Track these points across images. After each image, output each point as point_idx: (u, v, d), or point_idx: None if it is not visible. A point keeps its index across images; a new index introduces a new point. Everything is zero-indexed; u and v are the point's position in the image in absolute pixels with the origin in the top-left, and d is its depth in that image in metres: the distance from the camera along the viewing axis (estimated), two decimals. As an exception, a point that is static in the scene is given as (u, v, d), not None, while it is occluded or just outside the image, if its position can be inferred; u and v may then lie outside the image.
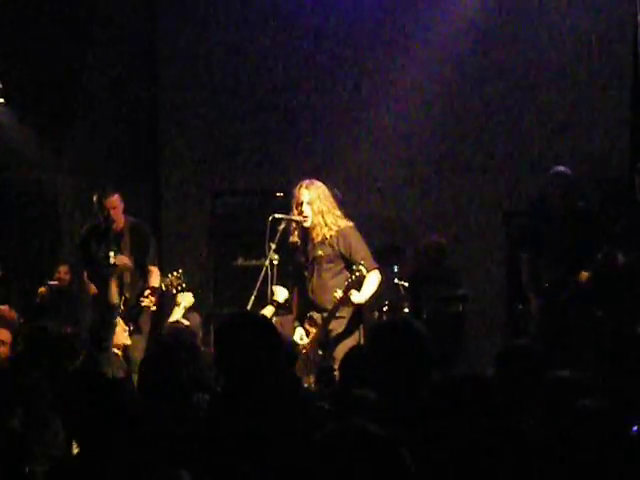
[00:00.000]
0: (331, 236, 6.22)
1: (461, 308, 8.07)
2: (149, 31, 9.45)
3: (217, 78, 9.28)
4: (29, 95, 8.90)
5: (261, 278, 6.39)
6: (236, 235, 8.56)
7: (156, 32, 9.48)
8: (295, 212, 6.31)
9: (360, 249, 6.22)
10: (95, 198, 7.05)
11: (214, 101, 9.31)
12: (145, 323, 7.03)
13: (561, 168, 6.97)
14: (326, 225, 6.22)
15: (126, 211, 7.17)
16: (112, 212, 7.00)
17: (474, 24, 8.71)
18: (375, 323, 5.65)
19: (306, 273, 6.36)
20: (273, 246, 6.40)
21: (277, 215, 6.50)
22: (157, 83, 9.54)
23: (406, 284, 7.81)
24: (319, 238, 6.23)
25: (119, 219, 7.07)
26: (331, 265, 6.26)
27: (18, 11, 8.78)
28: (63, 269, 8.55)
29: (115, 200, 7.02)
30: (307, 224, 6.25)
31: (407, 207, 8.88)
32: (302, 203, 6.24)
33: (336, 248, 6.23)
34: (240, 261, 7.96)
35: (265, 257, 6.45)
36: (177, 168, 9.47)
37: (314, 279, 6.31)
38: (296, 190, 6.34)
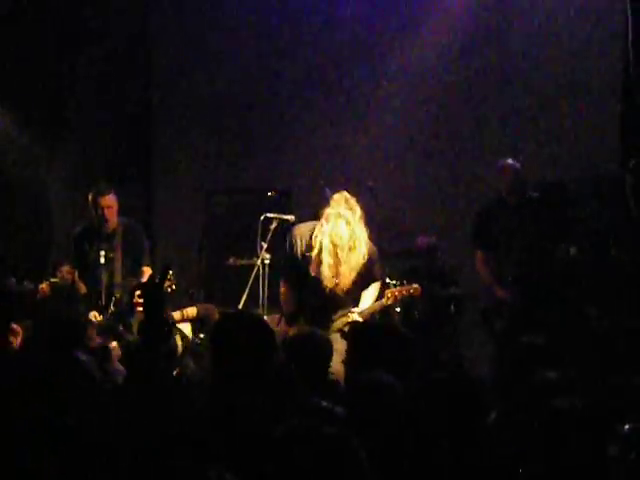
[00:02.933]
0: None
1: (453, 307, 8.06)
2: (142, 31, 9.44)
3: (211, 77, 9.28)
4: (22, 94, 8.89)
5: (252, 277, 6.40)
6: (228, 234, 8.57)
7: (149, 32, 9.48)
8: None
9: (377, 266, 6.19)
10: (90, 197, 7.04)
11: (207, 100, 9.31)
12: (137, 323, 7.00)
13: (508, 161, 6.98)
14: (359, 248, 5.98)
15: (119, 211, 7.16)
16: (107, 211, 6.99)
17: (466, 23, 8.72)
18: (358, 325, 5.66)
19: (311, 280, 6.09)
20: (265, 245, 6.41)
21: (269, 214, 6.52)
22: (150, 82, 9.54)
23: (397, 283, 7.80)
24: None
25: (113, 219, 7.05)
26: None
27: (11, 12, 8.77)
28: (66, 268, 8.52)
29: (110, 199, 7.02)
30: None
31: (400, 206, 8.88)
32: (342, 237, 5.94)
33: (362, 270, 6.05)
34: (232, 260, 7.95)
35: (257, 256, 6.46)
36: (170, 167, 9.48)
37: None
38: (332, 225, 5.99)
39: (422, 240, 8.21)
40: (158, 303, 3.38)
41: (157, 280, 3.41)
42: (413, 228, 8.56)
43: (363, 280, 6.09)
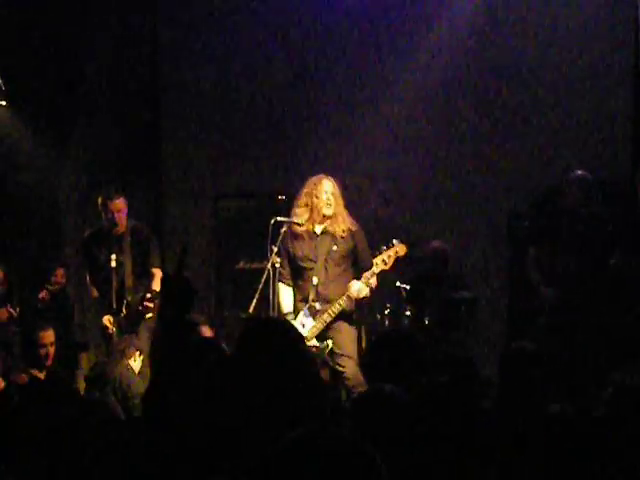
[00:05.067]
0: (348, 232, 6.35)
1: (463, 310, 8.03)
2: (151, 31, 9.44)
3: (219, 80, 9.28)
4: (31, 97, 8.90)
5: (263, 281, 6.39)
6: (238, 238, 8.56)
7: (158, 32, 9.47)
8: (322, 200, 6.32)
9: (367, 251, 6.40)
10: (100, 200, 7.03)
11: (216, 104, 9.30)
12: (145, 328, 6.95)
13: (581, 172, 7.07)
14: (344, 220, 6.36)
15: (128, 214, 7.15)
16: (116, 215, 6.98)
17: (473, 25, 8.70)
18: (379, 333, 5.67)
19: (309, 265, 6.37)
20: (275, 249, 6.40)
21: (279, 218, 6.52)
22: (159, 84, 9.54)
23: (407, 287, 7.77)
24: (339, 231, 6.32)
25: (122, 222, 7.05)
26: (342, 261, 6.35)
27: (19, 12, 8.79)
28: (60, 272, 8.55)
29: (120, 203, 7.02)
30: (329, 212, 6.31)
31: (409, 209, 8.86)
32: (327, 192, 6.33)
33: (350, 246, 6.36)
34: (242, 264, 7.93)
35: (267, 260, 6.45)
36: (179, 171, 9.47)
37: (323, 272, 6.32)
38: (315, 182, 6.41)
39: (433, 245, 8.18)
40: (182, 294, 3.22)
41: (175, 269, 3.30)
42: (424, 233, 8.52)
43: (350, 258, 6.32)
